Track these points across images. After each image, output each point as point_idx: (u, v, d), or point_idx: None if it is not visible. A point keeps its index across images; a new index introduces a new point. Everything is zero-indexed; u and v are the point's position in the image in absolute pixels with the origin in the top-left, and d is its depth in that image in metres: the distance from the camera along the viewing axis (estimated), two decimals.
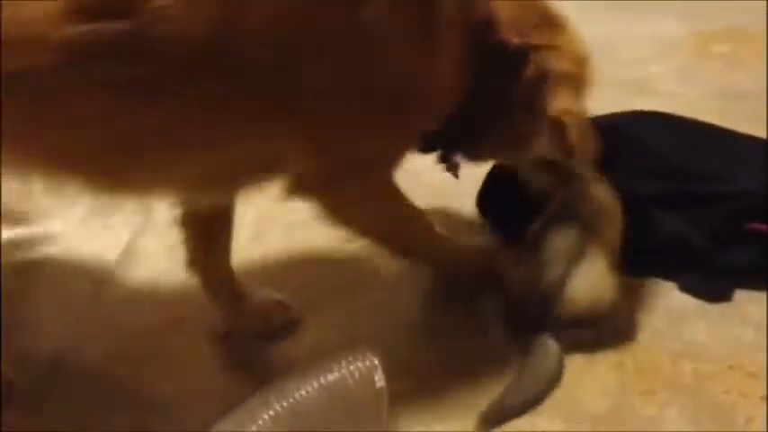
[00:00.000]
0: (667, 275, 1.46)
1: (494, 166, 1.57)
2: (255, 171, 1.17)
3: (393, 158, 1.24)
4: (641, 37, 2.33)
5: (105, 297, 1.51)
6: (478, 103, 1.24)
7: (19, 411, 1.25)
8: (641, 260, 1.44)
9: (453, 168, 1.38)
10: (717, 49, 2.26)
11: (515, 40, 1.23)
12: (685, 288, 1.44)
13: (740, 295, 1.41)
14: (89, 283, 1.53)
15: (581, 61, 1.30)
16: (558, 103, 1.27)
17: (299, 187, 1.19)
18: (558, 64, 1.27)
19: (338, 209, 1.23)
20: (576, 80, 1.29)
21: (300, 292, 1.47)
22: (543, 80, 1.26)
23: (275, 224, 1.65)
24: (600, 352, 1.32)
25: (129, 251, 1.60)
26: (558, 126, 1.27)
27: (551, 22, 1.28)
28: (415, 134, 1.25)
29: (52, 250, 1.61)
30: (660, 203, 1.49)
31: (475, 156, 1.39)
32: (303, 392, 1.12)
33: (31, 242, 1.62)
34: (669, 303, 1.41)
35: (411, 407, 1.23)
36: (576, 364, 1.30)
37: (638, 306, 1.40)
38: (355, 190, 1.21)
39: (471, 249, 1.50)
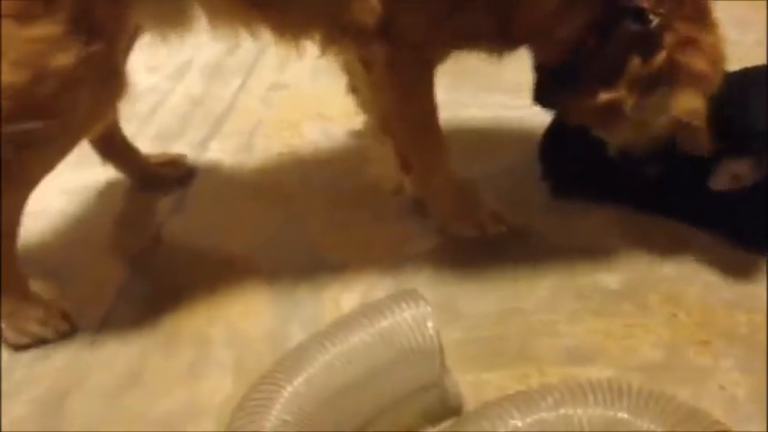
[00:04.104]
0: (719, 227, 1.44)
1: None
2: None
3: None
4: None
5: None
6: (592, 60, 1.26)
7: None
8: (697, 210, 1.43)
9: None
10: None
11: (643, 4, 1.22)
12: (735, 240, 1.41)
13: None
14: None
15: (716, 63, 1.28)
16: (686, 103, 1.25)
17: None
18: (694, 61, 1.25)
19: (375, 71, 1.34)
20: (707, 82, 1.27)
21: (349, 240, 1.48)
22: (673, 71, 1.25)
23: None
24: (652, 302, 1.32)
25: None
26: (680, 125, 1.27)
27: (701, 17, 1.26)
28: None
29: None
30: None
31: (571, 112, 1.38)
32: (356, 338, 1.13)
33: None
34: (722, 254, 1.40)
35: (460, 354, 1.24)
36: (628, 315, 1.30)
37: (691, 256, 1.39)
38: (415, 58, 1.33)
39: (478, 206, 1.50)
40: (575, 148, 1.55)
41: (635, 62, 1.25)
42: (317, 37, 1.36)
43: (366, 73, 1.38)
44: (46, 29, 1.16)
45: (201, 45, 2.08)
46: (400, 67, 1.34)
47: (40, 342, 1.30)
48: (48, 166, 1.27)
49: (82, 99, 1.21)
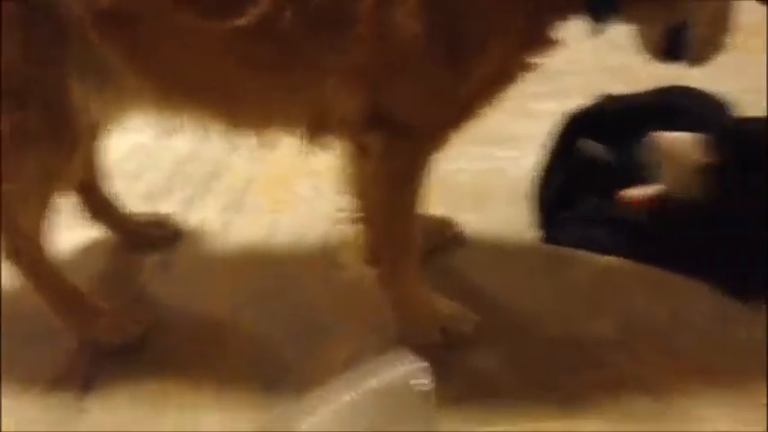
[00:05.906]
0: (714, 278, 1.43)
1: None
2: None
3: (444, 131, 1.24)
4: None
5: None
6: None
7: None
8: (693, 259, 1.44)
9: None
10: None
11: None
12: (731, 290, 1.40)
13: None
14: None
15: None
16: None
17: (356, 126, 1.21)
18: None
19: (371, 160, 1.23)
20: None
21: (342, 300, 1.46)
22: None
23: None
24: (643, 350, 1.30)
25: None
26: None
27: None
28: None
29: None
30: None
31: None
32: (348, 398, 1.10)
33: None
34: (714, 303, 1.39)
35: (454, 411, 1.21)
36: (620, 365, 1.28)
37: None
38: (400, 147, 1.22)
39: (439, 311, 1.36)
40: (567, 196, 1.56)
41: None
42: (298, 129, 1.28)
43: (361, 160, 1.24)
44: None
45: None
46: (398, 156, 1.22)
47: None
48: (33, 218, 1.32)
49: (29, 161, 1.25)
